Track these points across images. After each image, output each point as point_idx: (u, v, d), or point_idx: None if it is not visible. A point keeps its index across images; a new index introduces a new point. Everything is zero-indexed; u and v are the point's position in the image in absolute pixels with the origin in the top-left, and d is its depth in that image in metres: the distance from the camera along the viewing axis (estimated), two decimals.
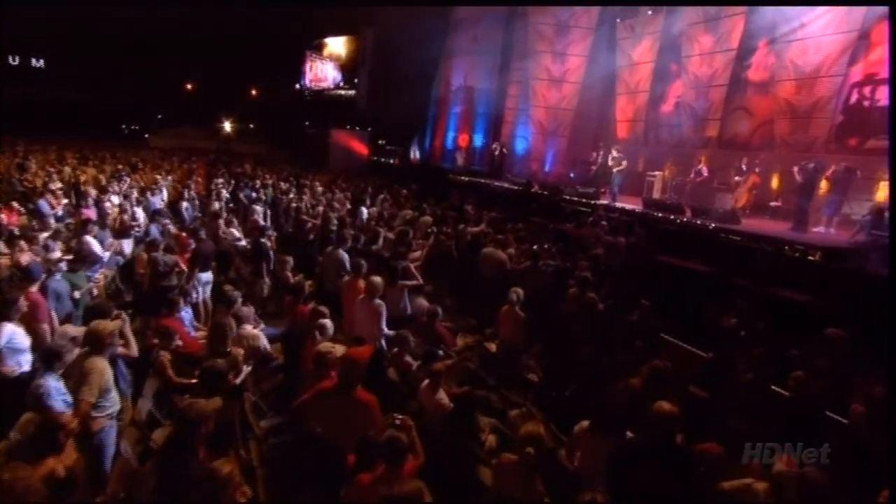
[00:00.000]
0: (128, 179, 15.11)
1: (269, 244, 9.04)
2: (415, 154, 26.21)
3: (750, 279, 8.70)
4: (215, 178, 17.94)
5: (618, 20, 20.58)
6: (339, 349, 4.75)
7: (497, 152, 20.89)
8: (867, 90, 14.42)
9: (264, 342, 5.79)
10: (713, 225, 11.59)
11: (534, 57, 21.47)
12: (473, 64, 23.41)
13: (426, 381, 5.08)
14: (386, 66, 28.56)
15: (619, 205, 14.92)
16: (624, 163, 15.60)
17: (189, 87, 45.48)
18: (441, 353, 6.19)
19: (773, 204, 15.08)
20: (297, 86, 33.36)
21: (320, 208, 12.56)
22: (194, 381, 4.71)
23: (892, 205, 8.81)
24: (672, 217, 12.82)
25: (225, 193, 14.11)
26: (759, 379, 5.10)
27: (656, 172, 17.84)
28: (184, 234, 9.01)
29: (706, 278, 9.37)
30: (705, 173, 15.98)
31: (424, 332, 6.79)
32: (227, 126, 36.66)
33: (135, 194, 12.73)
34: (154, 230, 9.49)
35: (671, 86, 19.26)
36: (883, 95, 13.90)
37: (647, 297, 7.14)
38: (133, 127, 41.72)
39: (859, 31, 13.81)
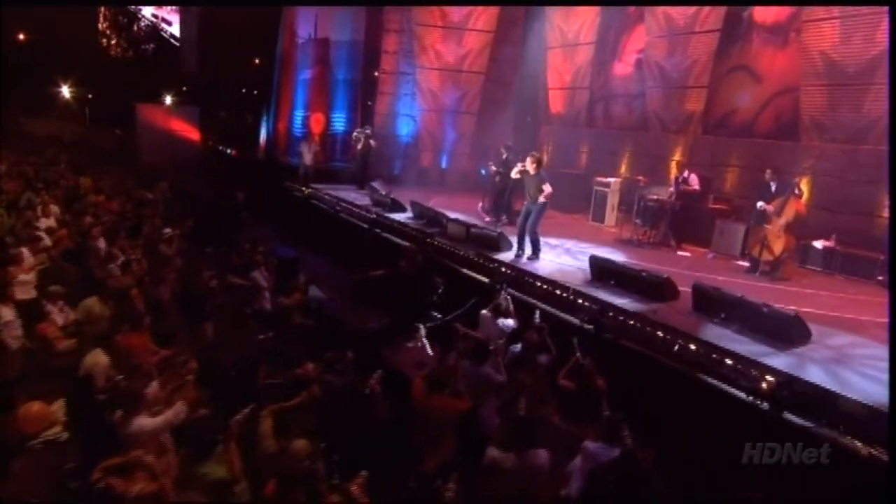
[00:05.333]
0: None
1: None
2: (263, 140, 19.32)
3: None
4: None
5: None
6: None
7: (360, 144, 14.63)
8: None
9: None
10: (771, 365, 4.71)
11: None
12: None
13: None
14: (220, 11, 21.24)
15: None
16: (546, 187, 8.57)
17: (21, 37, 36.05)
18: None
19: (820, 245, 9.27)
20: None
21: None
22: None
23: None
24: (676, 343, 5.78)
25: None
26: None
27: (609, 180, 12.04)
28: None
29: None
30: (695, 184, 10.31)
31: None
32: (66, 92, 27.85)
33: None
34: None
35: (629, 35, 14.57)
36: None
37: None
38: None
39: None
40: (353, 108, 16.94)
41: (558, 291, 7.07)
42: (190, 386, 5.44)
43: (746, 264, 9.00)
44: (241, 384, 6.03)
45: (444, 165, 16.63)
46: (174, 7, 22.41)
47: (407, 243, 9.67)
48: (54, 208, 11.92)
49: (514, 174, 9.14)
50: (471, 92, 16.59)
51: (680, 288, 7.15)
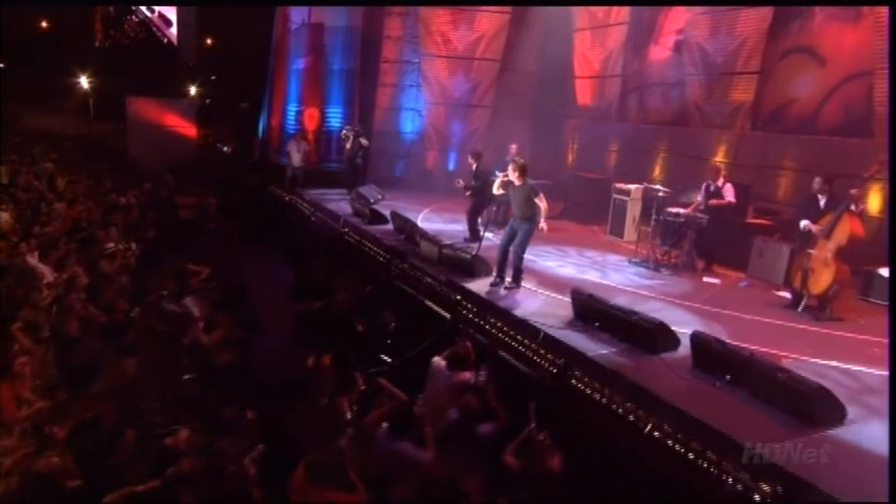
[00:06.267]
0: None
1: None
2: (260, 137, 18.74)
3: None
4: None
5: None
6: None
7: (348, 143, 13.51)
8: None
9: None
10: None
11: None
12: None
13: None
14: None
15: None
16: (540, 201, 7.29)
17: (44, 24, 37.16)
18: None
19: (887, 273, 7.43)
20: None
21: None
22: None
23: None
24: (648, 422, 4.33)
25: None
26: None
27: (630, 187, 10.42)
28: None
29: None
30: (730, 196, 8.62)
31: None
32: (74, 85, 28.30)
33: None
34: None
35: (667, 13, 13.54)
36: None
37: None
38: None
39: None
40: (350, 103, 15.70)
41: (520, 336, 5.72)
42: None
43: (788, 295, 7.27)
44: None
45: (451, 167, 15.30)
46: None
47: (373, 262, 8.56)
48: (4, 216, 11.43)
49: (497, 189, 7.79)
50: (483, 83, 15.36)
51: (690, 331, 5.70)
